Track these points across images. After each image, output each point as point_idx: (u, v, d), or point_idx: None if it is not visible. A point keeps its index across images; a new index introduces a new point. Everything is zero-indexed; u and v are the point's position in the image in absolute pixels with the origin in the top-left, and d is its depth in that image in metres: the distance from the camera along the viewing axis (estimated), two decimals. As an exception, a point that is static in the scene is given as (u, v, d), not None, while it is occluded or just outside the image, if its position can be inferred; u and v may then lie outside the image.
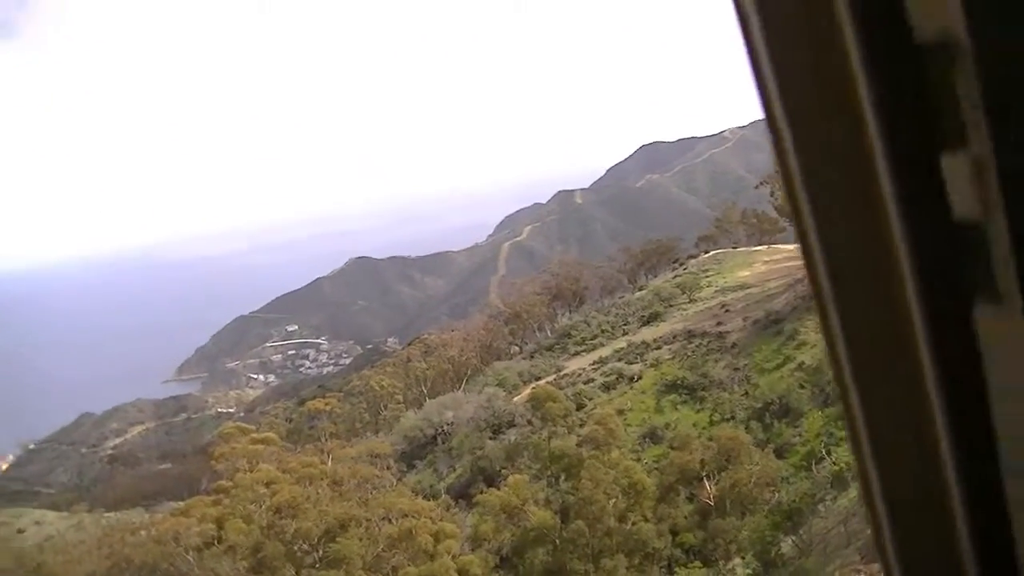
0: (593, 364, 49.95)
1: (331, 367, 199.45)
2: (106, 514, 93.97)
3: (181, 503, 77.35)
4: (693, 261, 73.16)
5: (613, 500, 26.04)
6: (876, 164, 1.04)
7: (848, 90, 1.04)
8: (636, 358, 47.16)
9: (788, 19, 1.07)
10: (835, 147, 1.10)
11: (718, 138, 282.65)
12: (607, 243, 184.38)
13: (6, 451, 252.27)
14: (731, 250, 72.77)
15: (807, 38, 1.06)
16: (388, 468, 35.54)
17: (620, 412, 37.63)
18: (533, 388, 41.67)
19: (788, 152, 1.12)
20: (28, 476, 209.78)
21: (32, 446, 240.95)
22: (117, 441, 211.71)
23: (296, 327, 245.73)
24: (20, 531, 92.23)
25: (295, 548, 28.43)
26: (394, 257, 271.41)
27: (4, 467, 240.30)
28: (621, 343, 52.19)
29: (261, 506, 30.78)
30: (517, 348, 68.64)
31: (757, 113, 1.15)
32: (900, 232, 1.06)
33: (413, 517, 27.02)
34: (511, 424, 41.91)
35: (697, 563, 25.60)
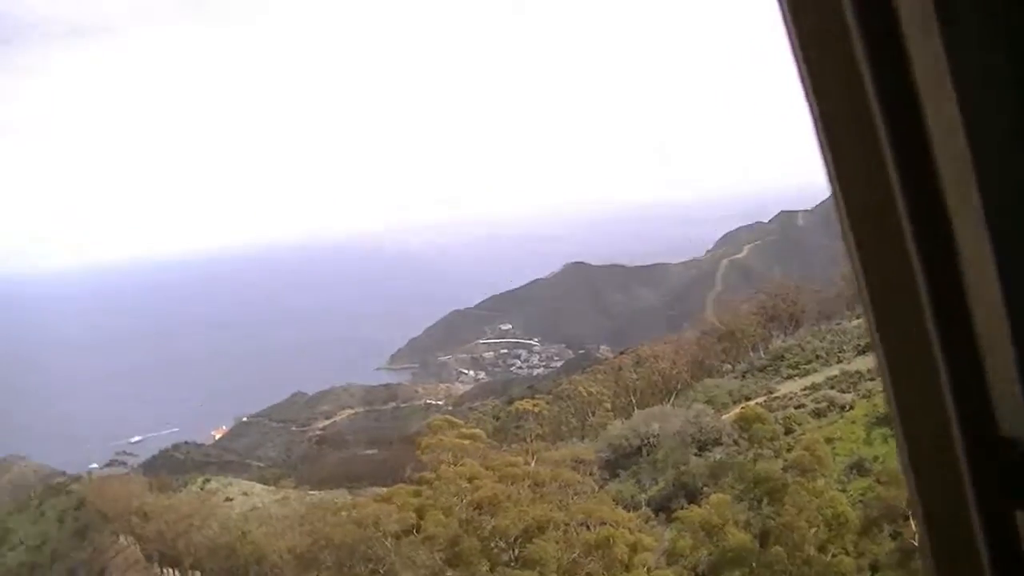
0: (805, 389, 48.60)
1: (541, 369, 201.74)
2: (310, 492, 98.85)
3: (384, 489, 79.78)
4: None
5: (814, 529, 25.38)
6: None
7: None
8: (849, 387, 45.57)
9: None
10: None
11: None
12: (827, 267, 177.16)
13: (221, 422, 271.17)
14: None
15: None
16: (590, 474, 35.18)
17: (828, 441, 36.27)
18: (742, 408, 41.31)
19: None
20: (240, 448, 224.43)
21: (245, 419, 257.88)
22: (326, 423, 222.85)
23: (510, 326, 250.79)
24: (228, 499, 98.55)
25: (491, 545, 28.37)
26: (613, 265, 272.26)
27: (218, 436, 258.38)
28: (834, 370, 50.63)
29: (462, 500, 30.99)
30: (729, 366, 66.92)
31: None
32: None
33: (611, 526, 27.13)
34: (717, 442, 41.32)
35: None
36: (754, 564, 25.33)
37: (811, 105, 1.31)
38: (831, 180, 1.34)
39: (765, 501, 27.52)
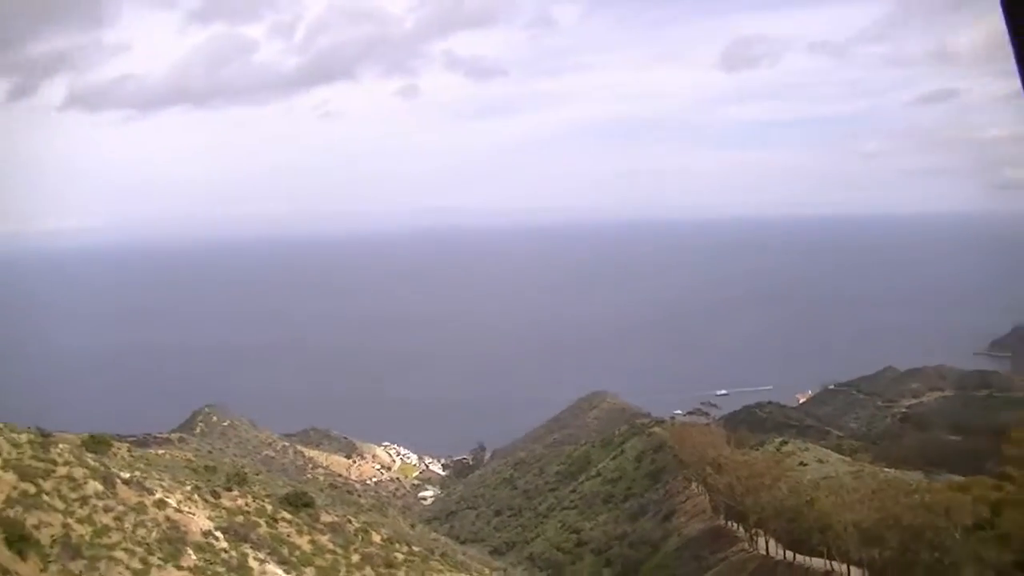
0: None
1: None
2: (885, 469, 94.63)
3: (961, 478, 73.66)
4: None
5: None
6: None
7: None
8: None
9: None
10: None
11: None
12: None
13: (808, 387, 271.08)
14: None
15: None
16: None
17: None
18: None
19: None
20: (822, 415, 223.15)
21: (832, 387, 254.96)
22: (912, 402, 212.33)
23: None
24: (802, 464, 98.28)
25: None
26: None
27: (802, 400, 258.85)
28: None
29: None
30: None
31: None
32: None
33: None
34: None
35: None
36: None
37: None
38: None
39: None
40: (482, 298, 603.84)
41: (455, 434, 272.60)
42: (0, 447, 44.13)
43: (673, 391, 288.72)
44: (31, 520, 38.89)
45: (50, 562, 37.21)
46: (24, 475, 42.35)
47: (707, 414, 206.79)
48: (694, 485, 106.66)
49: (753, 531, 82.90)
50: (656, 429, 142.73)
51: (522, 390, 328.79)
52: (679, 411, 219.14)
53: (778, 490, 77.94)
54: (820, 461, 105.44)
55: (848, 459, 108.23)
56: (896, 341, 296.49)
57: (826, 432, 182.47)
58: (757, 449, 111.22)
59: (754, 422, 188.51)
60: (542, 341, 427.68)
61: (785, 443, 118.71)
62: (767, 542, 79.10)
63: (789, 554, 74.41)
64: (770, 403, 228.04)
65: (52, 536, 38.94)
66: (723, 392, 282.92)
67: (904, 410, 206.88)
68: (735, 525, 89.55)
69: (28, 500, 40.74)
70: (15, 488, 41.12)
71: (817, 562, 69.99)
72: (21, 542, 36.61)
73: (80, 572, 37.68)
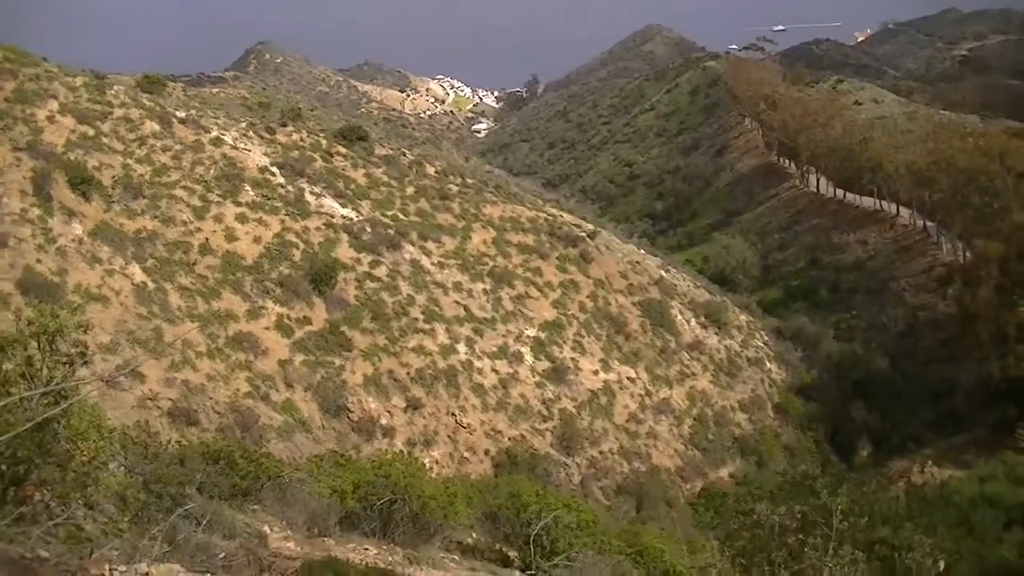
0: None
1: None
2: (941, 112, 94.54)
3: (1018, 124, 73.91)
4: None
5: None
6: None
7: None
8: None
9: None
10: None
11: None
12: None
13: (867, 25, 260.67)
14: None
15: None
16: None
17: None
18: None
19: None
20: (880, 54, 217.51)
21: (892, 26, 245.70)
22: (974, 44, 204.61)
23: None
24: (857, 103, 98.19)
25: None
26: None
27: (861, 39, 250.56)
28: None
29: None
30: None
31: None
32: None
33: None
34: None
35: None
36: None
37: None
38: None
39: None
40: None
41: (509, 66, 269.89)
42: (56, 91, 44.50)
43: (729, 25, 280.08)
44: (92, 162, 40.33)
45: (112, 202, 39.13)
46: (82, 118, 43.27)
47: (763, 49, 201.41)
48: (747, 121, 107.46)
49: (805, 168, 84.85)
50: (711, 63, 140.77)
51: (574, 24, 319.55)
52: (734, 46, 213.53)
53: (832, 128, 78.70)
54: (875, 101, 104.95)
55: (904, 100, 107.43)
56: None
57: (883, 72, 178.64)
58: (812, 87, 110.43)
59: (811, 59, 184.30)
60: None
61: (841, 82, 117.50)
62: (818, 180, 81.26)
63: (839, 192, 76.73)
64: (828, 40, 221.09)
65: (113, 177, 40.57)
66: (780, 28, 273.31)
67: (965, 52, 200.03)
68: (787, 162, 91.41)
69: (87, 143, 42.01)
70: (73, 131, 42.20)
71: (867, 201, 72.33)
72: (84, 184, 38.06)
73: (142, 211, 39.67)
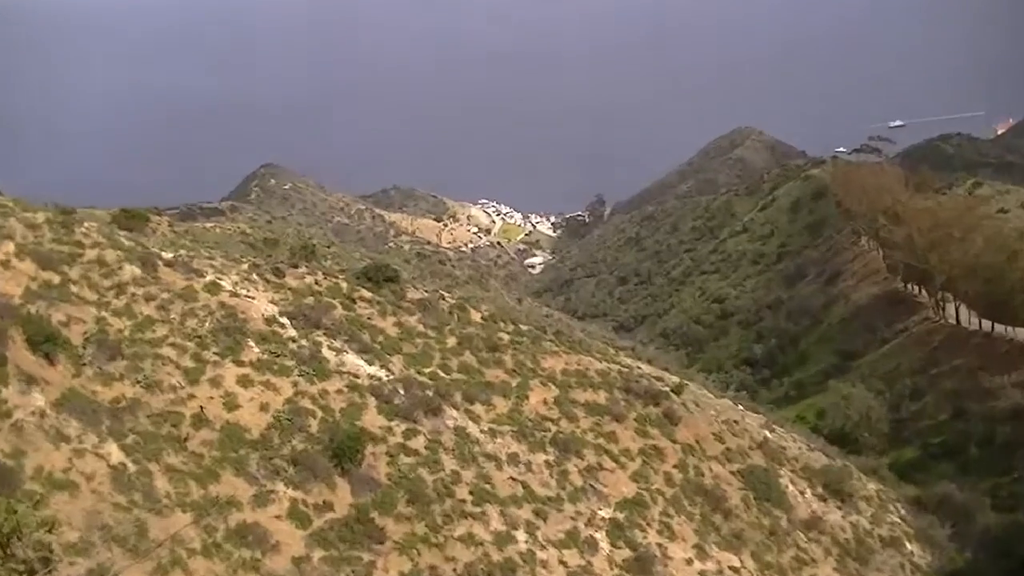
0: None
1: None
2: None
3: None
4: None
5: None
6: None
7: None
8: None
9: None
10: None
11: None
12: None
13: (1008, 113, 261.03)
14: None
15: None
16: None
17: None
18: None
19: None
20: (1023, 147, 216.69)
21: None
22: None
23: None
24: (1002, 211, 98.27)
25: None
26: None
27: (1001, 131, 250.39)
28: None
29: None
30: None
31: None
32: None
33: None
34: None
35: None
36: None
37: None
38: None
39: None
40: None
41: (567, 186, 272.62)
42: (12, 229, 43.76)
43: (834, 124, 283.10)
44: (58, 316, 39.20)
45: (84, 364, 37.68)
46: (45, 262, 42.30)
47: (878, 151, 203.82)
48: (864, 240, 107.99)
49: (939, 295, 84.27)
50: (815, 171, 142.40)
51: (648, 130, 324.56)
52: (843, 148, 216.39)
53: (971, 243, 78.12)
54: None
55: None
56: None
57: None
58: (943, 193, 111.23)
59: (939, 159, 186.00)
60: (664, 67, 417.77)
61: (979, 185, 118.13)
62: (957, 308, 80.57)
63: (986, 323, 76.01)
64: (959, 135, 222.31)
65: (84, 334, 39.19)
66: (899, 123, 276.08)
67: None
68: (916, 288, 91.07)
69: (52, 292, 40.72)
70: (34, 279, 41.02)
71: (1021, 332, 71.38)
72: (48, 343, 36.68)
73: (120, 375, 38.18)
